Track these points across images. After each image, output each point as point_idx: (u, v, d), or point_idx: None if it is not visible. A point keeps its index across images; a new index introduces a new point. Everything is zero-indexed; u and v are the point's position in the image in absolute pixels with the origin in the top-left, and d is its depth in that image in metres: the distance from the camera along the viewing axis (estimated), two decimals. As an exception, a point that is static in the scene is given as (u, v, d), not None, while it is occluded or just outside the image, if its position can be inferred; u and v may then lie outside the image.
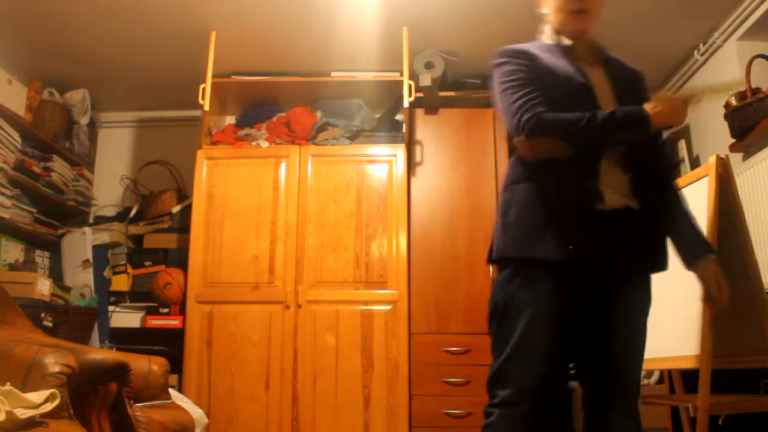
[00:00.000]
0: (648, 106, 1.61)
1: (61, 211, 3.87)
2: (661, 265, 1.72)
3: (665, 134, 1.75)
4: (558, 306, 1.58)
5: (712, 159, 2.16)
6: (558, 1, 1.74)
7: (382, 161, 3.51)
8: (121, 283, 3.84)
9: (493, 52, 1.77)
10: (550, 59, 1.71)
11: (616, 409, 1.62)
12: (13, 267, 3.46)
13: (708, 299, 1.74)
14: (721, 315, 2.04)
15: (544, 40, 1.80)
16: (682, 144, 3.72)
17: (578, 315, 1.63)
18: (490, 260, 1.72)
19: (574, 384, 3.50)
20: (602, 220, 1.59)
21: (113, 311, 3.84)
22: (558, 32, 1.78)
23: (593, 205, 1.58)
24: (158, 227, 3.89)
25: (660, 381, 3.22)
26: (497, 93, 1.73)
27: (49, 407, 1.61)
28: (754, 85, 2.92)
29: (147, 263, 3.83)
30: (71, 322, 3.26)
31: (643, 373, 3.18)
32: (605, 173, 1.61)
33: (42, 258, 3.76)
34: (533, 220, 1.61)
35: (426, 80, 3.54)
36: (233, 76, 3.75)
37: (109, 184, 4.17)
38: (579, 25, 1.74)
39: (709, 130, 3.47)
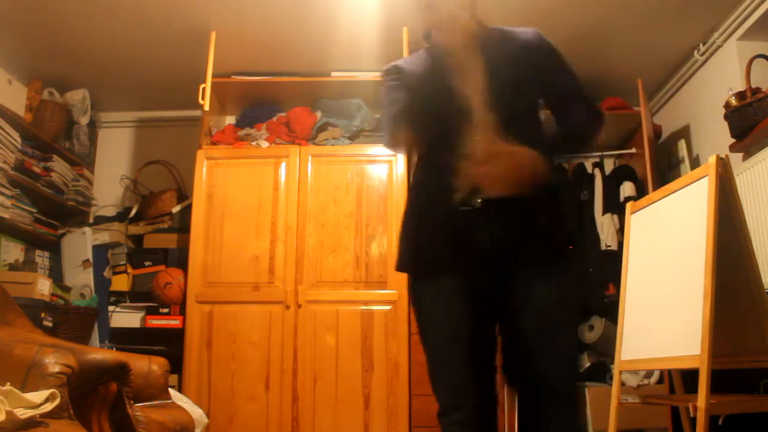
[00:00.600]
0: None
1: (61, 211, 3.87)
2: (552, 245, 1.55)
3: (543, 115, 1.66)
4: (459, 311, 1.53)
5: (712, 159, 2.16)
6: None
7: (382, 161, 3.51)
8: (121, 283, 3.84)
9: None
10: (417, 69, 1.70)
11: (544, 420, 1.50)
12: (13, 267, 3.46)
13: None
14: (721, 315, 2.05)
15: (428, 48, 1.77)
16: (682, 144, 3.72)
17: (485, 316, 1.56)
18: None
19: (574, 384, 3.50)
20: (470, 214, 1.50)
21: (113, 311, 3.84)
22: (428, 34, 1.74)
23: (451, 201, 1.50)
24: (158, 227, 3.89)
25: (660, 381, 3.22)
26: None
27: (49, 407, 1.61)
28: (754, 85, 2.92)
29: (147, 263, 3.83)
30: (71, 322, 3.26)
31: (643, 372, 3.21)
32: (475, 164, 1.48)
33: (42, 258, 3.76)
34: (407, 230, 1.63)
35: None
36: (233, 76, 3.75)
37: (109, 184, 4.17)
38: (430, 19, 1.67)
39: (709, 130, 3.47)
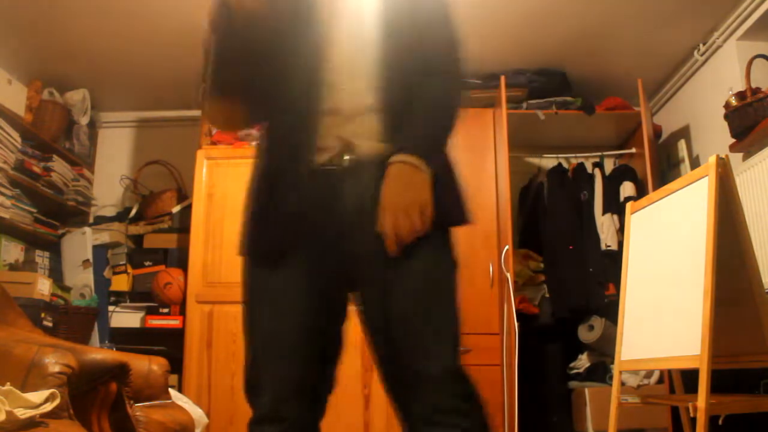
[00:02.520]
0: None
1: (61, 211, 3.87)
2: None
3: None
4: (306, 301, 1.24)
5: (712, 159, 2.16)
6: None
7: (382, 161, 3.51)
8: (121, 283, 3.84)
9: None
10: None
11: (415, 419, 1.17)
12: (13, 267, 3.46)
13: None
14: (721, 315, 2.05)
15: None
16: (682, 144, 3.72)
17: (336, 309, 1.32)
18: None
19: (574, 384, 3.52)
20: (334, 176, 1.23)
21: (113, 311, 3.84)
22: None
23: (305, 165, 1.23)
24: (158, 227, 3.89)
25: (660, 381, 3.22)
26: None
27: (49, 407, 1.61)
28: (754, 85, 2.92)
29: (147, 263, 3.83)
30: (71, 322, 3.26)
31: (643, 372, 3.21)
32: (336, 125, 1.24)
33: (42, 258, 3.76)
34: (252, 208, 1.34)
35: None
36: (233, 76, 3.75)
37: (109, 184, 4.17)
38: None
39: (709, 130, 3.47)
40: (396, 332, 1.22)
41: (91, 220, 4.06)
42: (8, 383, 1.62)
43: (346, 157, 1.23)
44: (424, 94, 1.26)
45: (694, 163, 3.64)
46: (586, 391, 3.26)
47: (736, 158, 3.09)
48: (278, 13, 1.29)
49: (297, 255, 1.23)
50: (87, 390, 1.89)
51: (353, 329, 3.44)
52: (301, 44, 1.28)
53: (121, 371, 1.97)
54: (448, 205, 1.29)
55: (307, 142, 1.24)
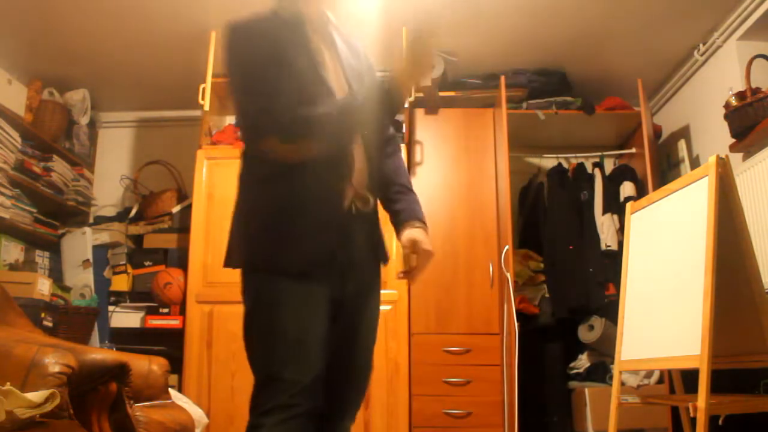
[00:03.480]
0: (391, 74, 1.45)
1: (61, 211, 3.87)
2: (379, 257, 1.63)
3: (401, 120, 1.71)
4: (324, 312, 1.48)
5: (712, 159, 2.16)
6: None
7: (382, 161, 3.51)
8: (121, 283, 3.84)
9: (226, 26, 1.47)
10: (286, 37, 1.48)
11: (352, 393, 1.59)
12: (13, 267, 3.46)
13: (404, 268, 1.59)
14: (721, 315, 2.05)
15: (277, 10, 1.55)
16: (682, 144, 3.72)
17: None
18: (232, 265, 1.52)
19: (574, 384, 3.52)
20: (352, 219, 1.52)
21: (113, 311, 3.84)
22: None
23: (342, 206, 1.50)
24: (158, 227, 3.89)
25: (660, 381, 3.22)
26: (235, 83, 1.47)
27: (49, 407, 1.61)
28: (754, 85, 2.92)
29: (147, 263, 3.83)
30: (71, 322, 3.26)
31: (643, 372, 3.21)
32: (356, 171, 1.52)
33: (42, 258, 3.76)
34: (281, 224, 1.47)
35: (426, 80, 3.53)
36: (233, 76, 3.75)
37: (109, 184, 4.17)
38: None
39: (709, 130, 3.47)
40: (360, 339, 1.58)
41: (91, 220, 4.06)
42: (8, 383, 1.62)
43: (354, 207, 1.52)
44: (400, 176, 1.67)
45: (694, 163, 3.64)
46: (586, 391, 3.26)
47: (736, 158, 3.09)
48: (301, 52, 1.51)
49: (322, 273, 1.47)
50: (87, 390, 1.89)
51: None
52: (322, 85, 1.50)
53: (121, 371, 1.97)
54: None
55: (342, 193, 1.50)
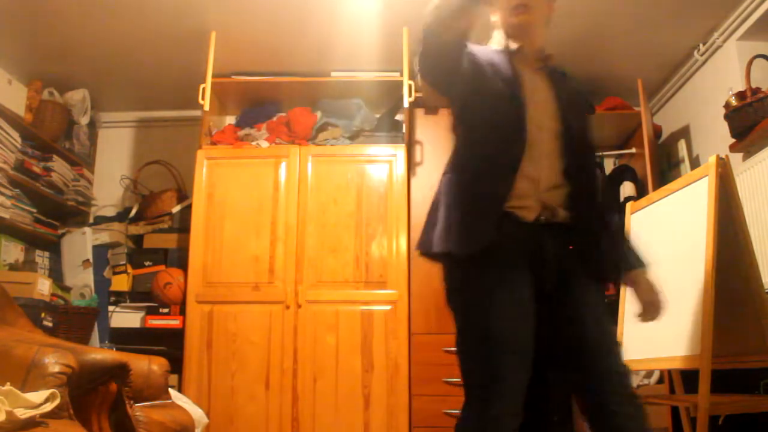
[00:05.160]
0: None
1: (61, 211, 3.87)
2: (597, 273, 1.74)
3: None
4: (529, 308, 1.61)
5: (712, 159, 2.16)
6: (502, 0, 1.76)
7: (382, 161, 3.51)
8: (121, 283, 3.85)
9: None
10: (488, 58, 1.73)
11: (615, 408, 1.60)
12: (13, 267, 3.46)
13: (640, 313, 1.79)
14: (721, 315, 2.05)
15: (493, 46, 1.82)
16: (682, 144, 3.72)
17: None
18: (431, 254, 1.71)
19: (574, 384, 3.51)
20: (540, 227, 1.64)
21: (113, 311, 3.84)
22: (505, 37, 1.79)
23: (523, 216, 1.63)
24: (158, 227, 3.89)
25: (660, 381, 3.22)
26: None
27: (49, 407, 1.61)
28: (754, 85, 2.92)
29: (147, 263, 3.83)
30: (71, 322, 3.26)
31: (643, 372, 3.21)
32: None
33: (42, 258, 3.76)
34: (476, 216, 1.63)
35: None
36: (233, 76, 3.75)
37: (109, 184, 4.17)
38: (520, 19, 1.73)
39: (709, 130, 3.47)
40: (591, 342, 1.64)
41: (91, 220, 4.06)
42: (8, 383, 1.62)
43: (543, 218, 1.63)
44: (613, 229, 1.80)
45: (694, 163, 3.63)
46: (586, 391, 3.26)
47: (736, 158, 3.09)
48: (505, 77, 1.70)
49: (523, 270, 1.60)
50: (87, 390, 1.89)
51: (353, 329, 3.44)
52: (515, 110, 1.66)
53: (121, 371, 1.97)
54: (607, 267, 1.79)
55: (502, 193, 1.61)
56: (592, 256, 1.70)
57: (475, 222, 1.60)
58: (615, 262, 1.75)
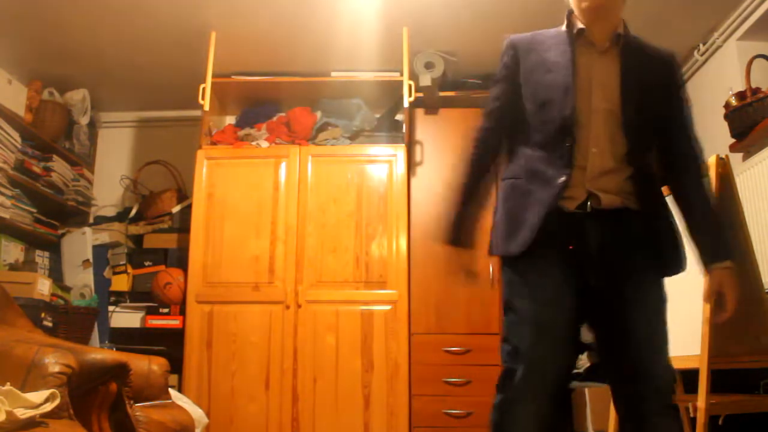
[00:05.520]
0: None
1: (61, 211, 3.87)
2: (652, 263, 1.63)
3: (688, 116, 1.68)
4: (567, 297, 1.57)
5: (712, 159, 2.16)
6: None
7: (382, 161, 3.51)
8: (121, 283, 3.85)
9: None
10: (542, 52, 1.69)
11: (648, 413, 1.55)
12: (13, 267, 3.46)
13: (712, 307, 1.74)
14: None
15: (560, 27, 1.77)
16: (682, 144, 3.71)
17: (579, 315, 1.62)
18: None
19: (574, 384, 3.51)
20: (583, 217, 1.57)
21: (113, 311, 3.84)
22: (574, 15, 1.73)
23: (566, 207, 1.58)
24: (158, 227, 3.89)
25: (660, 381, 3.22)
26: None
27: (49, 407, 1.61)
28: (754, 85, 2.92)
29: (147, 263, 3.83)
30: (71, 322, 3.26)
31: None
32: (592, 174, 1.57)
33: (42, 258, 3.76)
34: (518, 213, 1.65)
35: (426, 80, 3.53)
36: (233, 76, 3.75)
37: (109, 184, 4.17)
38: (591, 3, 1.68)
39: (709, 130, 3.46)
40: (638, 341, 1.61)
41: (91, 220, 4.06)
42: (8, 383, 1.62)
43: (589, 204, 1.55)
44: (701, 205, 1.66)
45: (694, 163, 3.63)
46: (586, 391, 3.26)
47: (736, 158, 3.09)
48: (561, 66, 1.64)
49: (562, 263, 1.56)
50: (87, 390, 1.89)
51: (353, 329, 3.44)
52: (566, 100, 1.58)
53: (121, 371, 1.96)
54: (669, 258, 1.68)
55: (558, 185, 1.55)
56: (654, 245, 1.59)
57: (518, 225, 1.61)
58: (702, 250, 1.61)
